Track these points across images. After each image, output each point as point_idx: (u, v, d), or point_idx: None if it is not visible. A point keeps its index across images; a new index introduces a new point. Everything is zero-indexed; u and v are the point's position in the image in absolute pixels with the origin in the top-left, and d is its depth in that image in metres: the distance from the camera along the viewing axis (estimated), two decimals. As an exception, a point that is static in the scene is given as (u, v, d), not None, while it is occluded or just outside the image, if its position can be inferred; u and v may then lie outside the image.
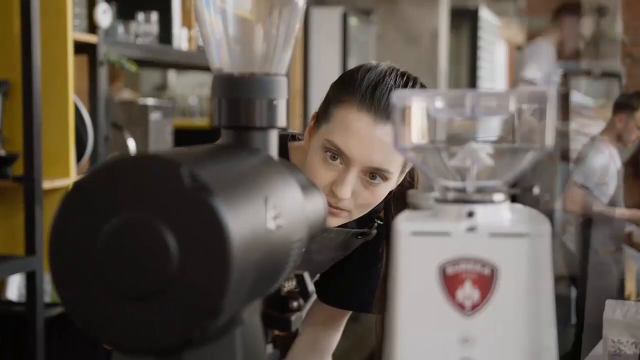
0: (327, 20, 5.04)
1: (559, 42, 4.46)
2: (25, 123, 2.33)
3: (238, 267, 0.61)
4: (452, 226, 0.68)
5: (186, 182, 0.60)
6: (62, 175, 2.52)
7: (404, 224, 0.69)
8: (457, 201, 0.70)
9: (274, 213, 0.69)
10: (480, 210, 0.69)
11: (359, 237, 1.40)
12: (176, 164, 0.61)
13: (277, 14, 0.83)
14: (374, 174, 1.25)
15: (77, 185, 0.63)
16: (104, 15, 2.67)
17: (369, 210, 1.30)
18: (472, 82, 7.42)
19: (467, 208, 0.69)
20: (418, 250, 0.69)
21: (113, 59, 2.71)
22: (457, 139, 0.72)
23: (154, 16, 3.07)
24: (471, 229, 0.68)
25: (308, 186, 0.86)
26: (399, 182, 1.33)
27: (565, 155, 4.82)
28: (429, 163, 0.72)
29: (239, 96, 0.80)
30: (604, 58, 9.04)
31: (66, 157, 2.51)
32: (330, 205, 1.25)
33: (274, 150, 0.81)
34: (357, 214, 1.29)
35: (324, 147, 1.25)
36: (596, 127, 4.93)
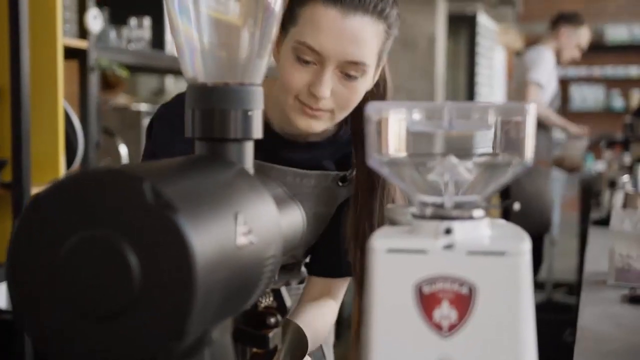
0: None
1: (557, 50, 4.47)
2: (13, 129, 2.30)
3: (203, 286, 0.58)
4: (429, 243, 0.66)
5: (149, 198, 0.58)
6: (51, 181, 2.49)
7: (379, 241, 0.67)
8: (434, 217, 0.68)
9: (245, 229, 0.67)
10: (458, 226, 0.67)
11: (340, 183, 1.37)
12: (139, 179, 0.58)
13: (252, 21, 0.81)
14: (350, 71, 1.22)
15: (37, 199, 0.61)
16: (95, 20, 2.64)
17: (350, 110, 1.27)
18: (470, 87, 7.40)
19: (444, 225, 0.67)
20: (394, 269, 0.66)
21: (104, 64, 2.68)
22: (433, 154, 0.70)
23: (147, 21, 3.04)
24: (448, 247, 0.66)
25: (284, 199, 0.84)
26: (375, 80, 1.31)
27: (559, 163, 4.81)
28: (406, 177, 0.70)
29: (213, 107, 0.77)
30: None
31: (56, 164, 2.49)
32: (310, 107, 1.24)
33: (249, 162, 0.79)
34: (340, 116, 1.27)
35: (294, 50, 1.22)
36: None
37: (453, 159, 0.68)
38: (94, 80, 2.68)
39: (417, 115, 0.68)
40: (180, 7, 0.79)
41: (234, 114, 0.77)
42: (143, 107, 3.21)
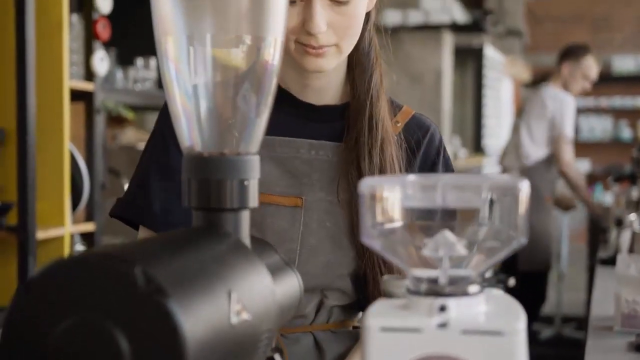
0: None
1: (564, 85, 4.48)
2: (19, 172, 2.31)
3: (195, 370, 0.58)
4: (423, 321, 0.65)
5: (140, 283, 0.58)
6: (57, 224, 2.50)
7: (373, 319, 0.66)
8: (429, 293, 0.67)
9: (239, 307, 0.66)
10: (453, 304, 0.66)
11: None
12: (130, 263, 0.58)
13: (249, 85, 0.81)
14: None
15: (28, 284, 0.61)
16: (101, 62, 2.66)
17: (354, 38, 1.19)
18: (477, 120, 7.41)
19: (439, 302, 0.66)
20: (388, 347, 0.66)
21: (110, 106, 2.70)
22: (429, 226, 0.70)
23: (153, 62, 3.06)
24: (443, 325, 0.65)
25: (280, 267, 0.83)
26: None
27: (557, 201, 4.80)
28: (400, 252, 0.70)
29: (209, 177, 0.77)
30: (507, 15, 9.06)
31: (61, 207, 2.49)
32: (312, 47, 1.16)
33: (245, 231, 0.78)
34: (346, 46, 1.19)
35: None
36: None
37: (447, 234, 0.68)
38: (100, 122, 2.70)
39: (409, 191, 0.68)
40: (177, 76, 0.80)
41: (230, 184, 0.77)
42: (149, 146, 3.21)
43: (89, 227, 2.70)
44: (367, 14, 1.25)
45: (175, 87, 0.80)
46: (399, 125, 1.30)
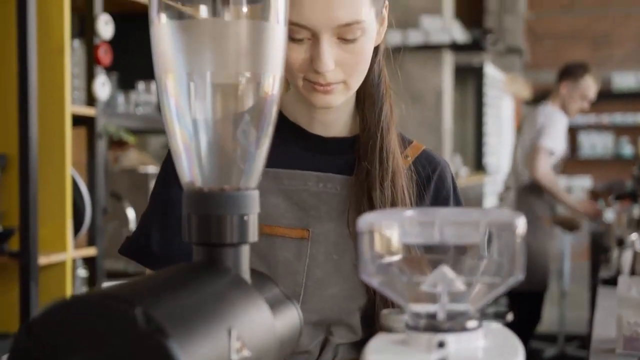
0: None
1: (562, 104, 4.49)
2: (21, 198, 2.32)
3: (195, 410, 0.59)
4: (422, 358, 0.66)
5: (140, 323, 0.58)
6: (59, 249, 2.50)
7: (373, 355, 0.67)
8: (427, 329, 0.68)
9: (239, 344, 0.67)
10: (451, 339, 0.66)
11: None
12: (130, 303, 0.59)
13: (248, 118, 0.82)
14: (346, 35, 1.13)
15: (30, 324, 0.61)
16: (103, 87, 2.68)
17: (362, 73, 1.18)
18: (478, 138, 7.43)
19: (437, 338, 0.67)
20: (387, 383, 0.66)
21: (111, 130, 2.71)
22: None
23: (154, 86, 3.08)
24: (442, 361, 0.65)
25: (280, 301, 0.84)
26: (383, 29, 1.23)
27: (559, 222, 4.79)
28: (398, 287, 0.70)
29: (209, 212, 0.78)
30: (507, 32, 9.11)
31: (63, 232, 2.50)
32: (320, 84, 1.16)
33: (245, 265, 0.79)
34: (354, 82, 1.19)
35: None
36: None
37: (446, 270, 0.68)
38: (101, 146, 2.71)
39: (407, 228, 0.68)
40: (177, 112, 0.80)
41: (230, 219, 0.78)
42: (151, 169, 3.23)
43: (91, 251, 2.71)
44: (376, 47, 1.25)
45: (175, 123, 0.81)
46: (408, 159, 1.28)
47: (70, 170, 2.52)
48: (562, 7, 9.77)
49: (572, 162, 9.82)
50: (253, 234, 0.80)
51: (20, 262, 2.32)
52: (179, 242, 1.10)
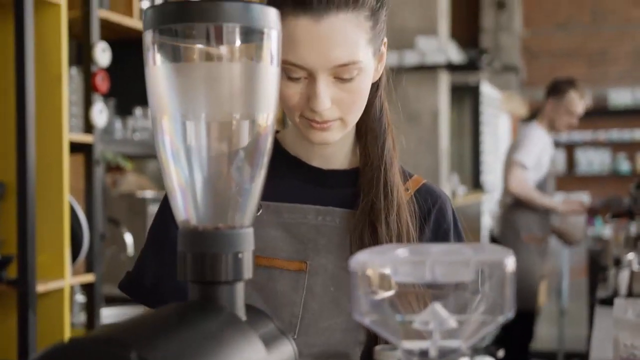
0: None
1: (550, 122, 4.51)
2: (19, 226, 2.33)
3: None
4: (415, 396, 0.67)
5: (136, 367, 0.59)
6: (57, 277, 2.50)
7: (366, 393, 0.68)
8: (420, 367, 0.69)
9: (233, 383, 0.68)
10: (443, 377, 0.67)
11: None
12: (126, 347, 0.60)
13: (242, 154, 0.83)
14: (343, 75, 1.14)
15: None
16: (100, 114, 2.69)
17: (359, 111, 1.19)
18: (475, 156, 7.45)
19: (430, 375, 0.68)
20: (380, 421, 0.67)
21: (109, 157, 2.72)
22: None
23: (151, 111, 3.10)
24: (434, 400, 0.66)
25: (275, 336, 0.84)
26: (382, 66, 1.24)
27: (559, 234, 4.79)
28: (390, 325, 0.71)
29: (204, 251, 0.79)
30: (503, 51, 9.15)
31: (61, 259, 2.50)
32: (317, 122, 1.17)
33: (239, 302, 0.80)
34: (351, 119, 1.19)
35: (282, 70, 1.13)
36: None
37: (437, 307, 0.69)
38: (99, 173, 2.72)
39: (399, 268, 0.70)
40: (172, 151, 0.82)
41: (224, 258, 0.79)
42: (149, 194, 3.24)
43: (89, 278, 2.71)
44: (377, 82, 1.25)
45: (170, 162, 0.82)
46: (409, 192, 1.29)
47: (68, 198, 2.53)
48: (558, 25, 9.82)
49: (570, 179, 9.84)
50: (248, 271, 0.81)
51: (19, 290, 2.33)
52: (174, 279, 1.11)
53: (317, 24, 1.11)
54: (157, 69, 0.79)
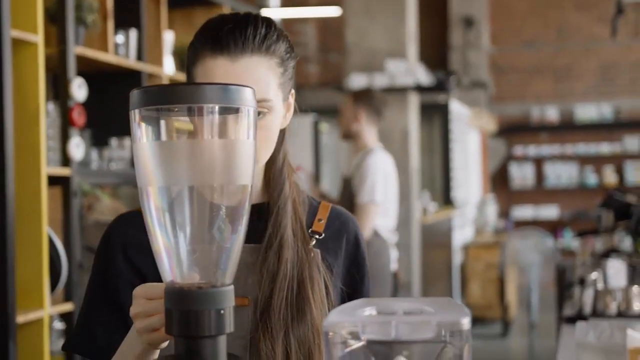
0: (300, 128, 5.16)
1: None
2: (-1, 259, 2.38)
3: None
4: None
5: None
6: (36, 307, 2.56)
7: None
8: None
9: None
10: None
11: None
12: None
13: (222, 228, 0.91)
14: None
15: None
16: (77, 148, 2.75)
17: (269, 149, 1.25)
18: (446, 172, 7.56)
19: None
20: None
21: (85, 189, 2.78)
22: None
23: (127, 142, 3.16)
24: None
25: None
26: (289, 116, 1.30)
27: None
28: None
29: (189, 308, 0.87)
30: (472, 67, 9.31)
31: (40, 290, 2.56)
32: None
33: (222, 354, 0.88)
34: (262, 157, 1.25)
35: None
36: None
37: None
38: (76, 204, 2.78)
39: (368, 326, 0.77)
40: (158, 219, 0.90)
41: (207, 314, 0.87)
42: (125, 221, 3.28)
43: (68, 307, 2.76)
44: (282, 130, 1.31)
45: (156, 228, 0.90)
46: (322, 222, 1.34)
47: (46, 229, 2.58)
48: (525, 42, 10.00)
49: (539, 192, 10.01)
50: (229, 325, 0.89)
51: (-1, 322, 2.38)
52: (124, 331, 1.14)
53: (233, 64, 1.20)
54: (143, 145, 0.87)
